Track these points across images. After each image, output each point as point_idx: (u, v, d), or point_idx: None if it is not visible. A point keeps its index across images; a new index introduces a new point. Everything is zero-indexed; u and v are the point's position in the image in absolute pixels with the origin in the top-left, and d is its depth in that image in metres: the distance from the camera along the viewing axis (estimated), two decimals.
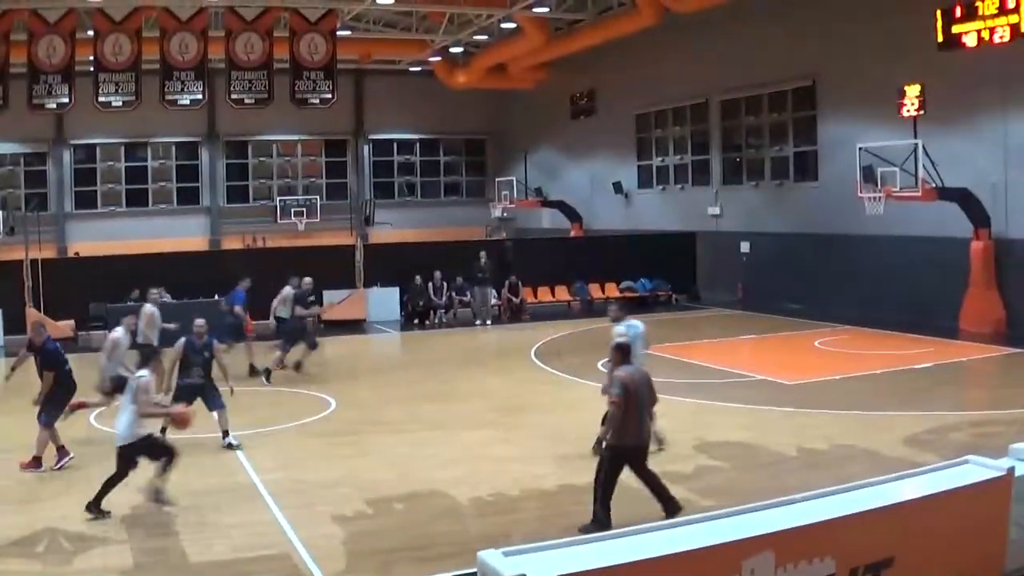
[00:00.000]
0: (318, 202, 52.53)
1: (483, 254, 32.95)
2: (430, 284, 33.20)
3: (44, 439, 15.16)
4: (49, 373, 15.40)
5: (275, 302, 24.30)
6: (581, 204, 48.02)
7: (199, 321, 16.91)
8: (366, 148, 56.95)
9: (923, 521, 9.37)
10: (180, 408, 14.31)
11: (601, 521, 11.79)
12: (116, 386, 16.17)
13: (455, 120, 56.50)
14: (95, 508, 12.73)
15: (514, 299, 34.85)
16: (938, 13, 28.64)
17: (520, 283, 35.04)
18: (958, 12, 28.17)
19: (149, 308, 20.63)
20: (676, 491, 13.47)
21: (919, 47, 29.52)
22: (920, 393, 20.26)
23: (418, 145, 58.37)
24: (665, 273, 38.05)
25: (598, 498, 12.10)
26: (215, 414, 16.51)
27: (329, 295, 31.41)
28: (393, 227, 51.94)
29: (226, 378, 16.84)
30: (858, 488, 9.61)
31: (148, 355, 14.80)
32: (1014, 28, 26.94)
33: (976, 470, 10.14)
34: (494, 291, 34.23)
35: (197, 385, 16.43)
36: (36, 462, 15.12)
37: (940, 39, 28.76)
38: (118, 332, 17.81)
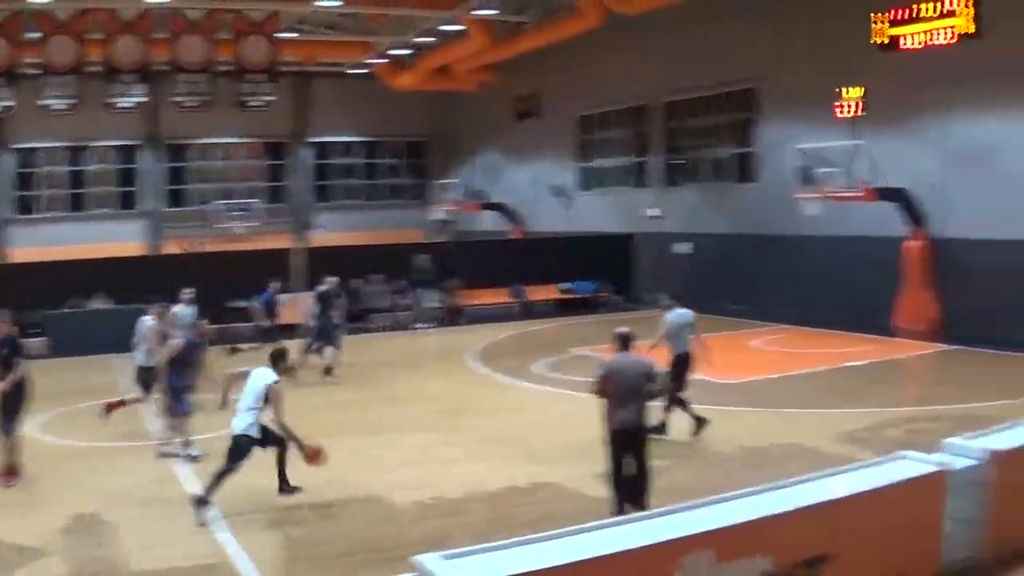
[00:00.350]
0: (258, 206, 52.18)
1: (425, 257, 32.88)
2: (370, 287, 33.10)
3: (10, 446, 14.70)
4: (17, 365, 14.55)
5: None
6: (523, 206, 48.07)
7: (201, 321, 16.88)
8: (307, 151, 56.61)
9: (859, 517, 9.45)
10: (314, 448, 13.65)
11: (614, 509, 11.97)
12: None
13: (398, 122, 56.19)
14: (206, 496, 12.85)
15: (454, 302, 34.85)
16: (879, 16, 29.01)
17: (460, 286, 34.98)
18: (899, 15, 28.55)
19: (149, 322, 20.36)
20: None
21: (860, 50, 29.83)
22: (857, 391, 20.49)
23: (359, 148, 58.07)
24: (605, 274, 38.15)
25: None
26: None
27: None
28: (331, 230, 51.55)
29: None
30: (794, 485, 9.68)
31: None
32: (955, 29, 27.32)
33: (911, 466, 10.26)
34: (434, 294, 34.17)
35: (190, 387, 16.25)
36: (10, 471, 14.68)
37: (880, 41, 29.12)
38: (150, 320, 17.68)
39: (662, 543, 8.10)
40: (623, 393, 12.18)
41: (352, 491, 13.93)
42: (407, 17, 40.20)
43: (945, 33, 27.63)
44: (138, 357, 17.61)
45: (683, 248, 38.10)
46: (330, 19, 42.61)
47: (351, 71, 51.49)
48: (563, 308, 36.89)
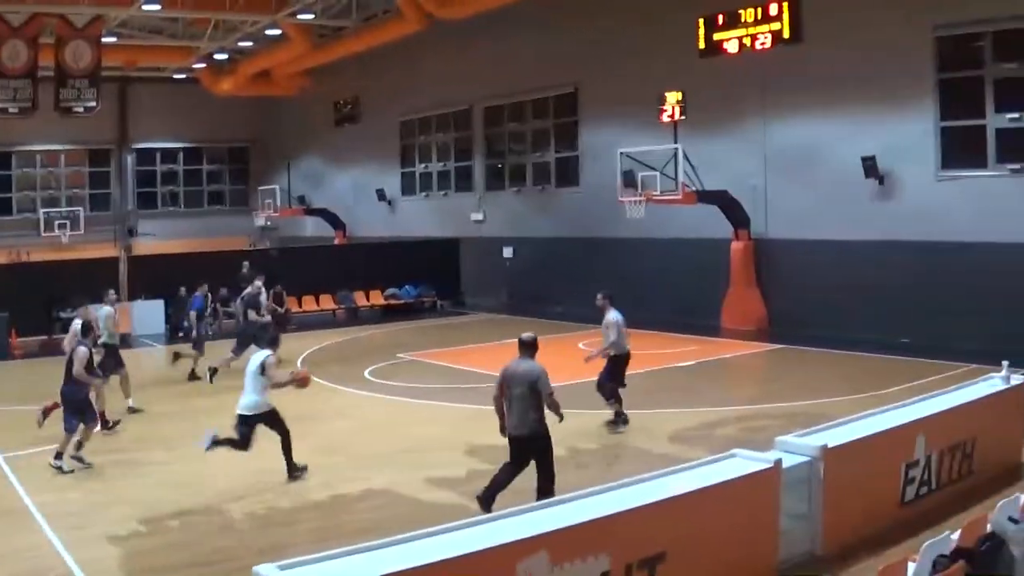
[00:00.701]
0: (82, 214, 50.66)
1: (246, 264, 32.15)
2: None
3: None
4: None
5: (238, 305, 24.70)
6: (345, 212, 47.61)
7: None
8: (130, 158, 55.42)
9: (694, 515, 9.44)
10: (302, 372, 16.02)
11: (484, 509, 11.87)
12: None
13: (219, 128, 55.60)
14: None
15: (279, 309, 34.17)
16: (700, 21, 29.43)
17: (285, 292, 34.38)
18: (720, 20, 29.02)
19: (108, 309, 20.79)
20: (448, 496, 13.46)
21: (681, 54, 30.36)
22: (686, 391, 20.63)
23: (181, 154, 57.11)
24: (430, 279, 37.94)
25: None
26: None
27: (94, 310, 30.28)
28: (156, 238, 50.52)
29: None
30: (629, 485, 9.61)
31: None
32: (775, 35, 27.92)
33: (743, 463, 10.30)
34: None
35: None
36: None
37: (701, 46, 29.58)
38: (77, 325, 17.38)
39: (500, 546, 7.94)
40: (512, 399, 12.32)
41: (186, 503, 13.47)
42: (229, 22, 39.62)
43: (764, 38, 28.20)
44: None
45: (508, 252, 38.19)
46: (152, 23, 41.58)
47: (174, 76, 50.71)
48: (389, 314, 36.58)
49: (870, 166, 26.27)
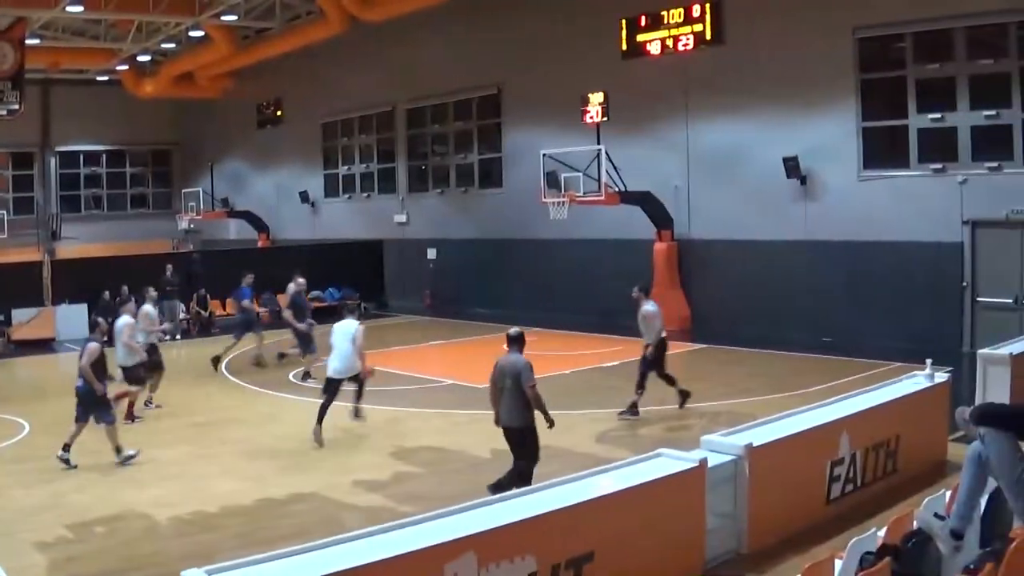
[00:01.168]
0: (4, 217, 49.73)
1: (169, 267, 31.76)
2: (118, 300, 31.72)
3: None
4: None
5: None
6: (268, 214, 47.23)
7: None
8: (53, 160, 54.61)
9: (621, 514, 9.42)
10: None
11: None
12: None
13: (142, 131, 55.02)
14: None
15: (203, 312, 33.80)
16: (623, 22, 29.48)
17: (208, 296, 34.03)
18: (643, 21, 29.11)
19: (147, 308, 21.35)
20: (374, 499, 13.37)
21: (604, 55, 30.39)
22: (610, 391, 20.55)
23: (104, 157, 56.35)
24: (353, 281, 37.65)
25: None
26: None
27: (17, 314, 30.53)
28: (80, 241, 49.78)
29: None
30: (554, 486, 9.59)
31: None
32: (698, 36, 28.09)
33: (669, 462, 10.33)
34: (182, 305, 33.10)
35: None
36: None
37: (624, 47, 29.65)
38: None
39: (427, 548, 7.89)
40: (501, 391, 12.87)
41: (111, 509, 13.29)
42: (152, 23, 39.26)
43: (686, 40, 28.33)
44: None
45: (432, 254, 38.11)
46: (75, 25, 41.02)
47: (96, 79, 50.16)
48: (313, 316, 36.18)
49: (792, 166, 26.45)
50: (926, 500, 7.80)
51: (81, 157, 55.73)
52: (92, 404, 15.89)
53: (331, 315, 34.83)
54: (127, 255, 38.19)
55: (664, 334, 18.63)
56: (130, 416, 18.69)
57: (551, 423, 12.75)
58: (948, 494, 8.20)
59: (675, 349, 25.76)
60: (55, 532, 12.35)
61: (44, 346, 30.02)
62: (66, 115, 53.03)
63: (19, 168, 54.24)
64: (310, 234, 44.74)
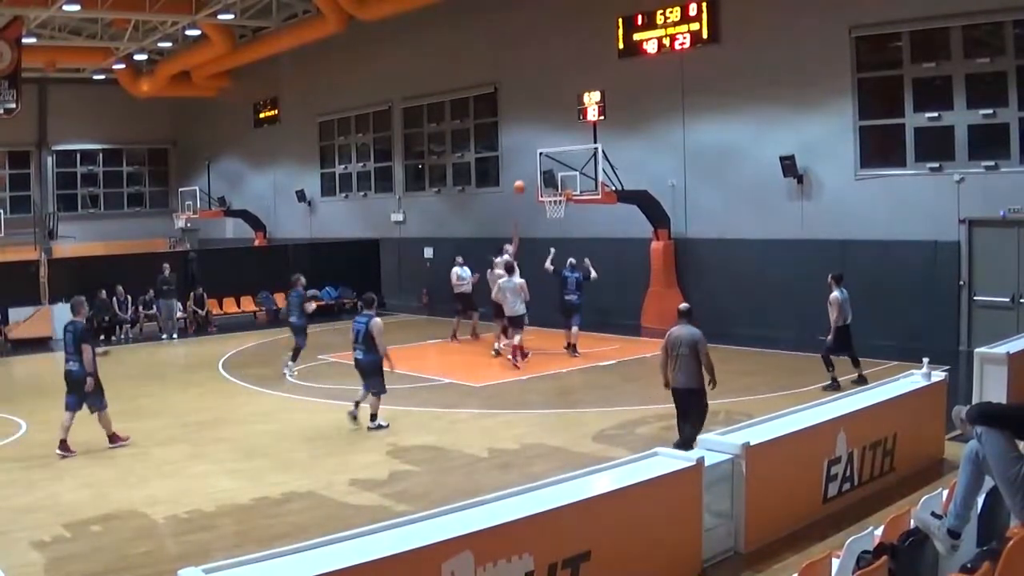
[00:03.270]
0: (1, 216, 49.67)
1: (166, 266, 31.73)
2: (115, 299, 31.74)
3: None
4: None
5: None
6: (265, 213, 47.23)
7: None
8: (49, 159, 54.60)
9: (617, 514, 9.41)
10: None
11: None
12: None
13: (139, 130, 55.09)
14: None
15: (200, 312, 33.80)
16: (619, 21, 29.46)
17: (205, 295, 34.02)
18: (639, 20, 29.09)
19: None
20: (371, 498, 13.34)
21: (601, 54, 30.41)
22: (606, 390, 20.59)
23: (101, 155, 56.35)
24: (350, 281, 37.66)
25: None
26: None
27: (14, 313, 30.55)
28: (77, 240, 49.73)
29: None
30: (551, 485, 9.59)
31: None
32: (694, 35, 28.08)
33: (665, 461, 10.32)
34: (179, 304, 33.07)
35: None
36: None
37: (620, 46, 29.63)
38: None
39: (424, 547, 7.87)
40: (678, 358, 14.51)
41: (107, 508, 13.27)
42: (148, 22, 39.30)
43: (683, 38, 28.33)
44: None
45: (429, 253, 38.11)
46: (72, 24, 41.06)
47: (93, 77, 50.15)
48: (310, 315, 36.19)
49: (788, 165, 26.45)
50: (923, 499, 7.80)
51: (78, 156, 55.72)
52: (85, 391, 16.43)
53: (328, 315, 35.08)
54: (124, 254, 38.26)
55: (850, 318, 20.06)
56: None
57: (715, 384, 14.68)
58: (945, 493, 8.21)
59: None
60: (51, 531, 12.33)
61: (41, 345, 29.99)
62: (63, 114, 53.03)
63: (16, 167, 54.25)
64: (307, 233, 44.75)
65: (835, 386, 18.84)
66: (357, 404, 17.77)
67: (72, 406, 16.41)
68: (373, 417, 17.57)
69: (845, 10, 25.40)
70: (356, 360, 17.92)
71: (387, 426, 17.47)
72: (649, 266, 29.34)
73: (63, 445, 16.18)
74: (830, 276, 20.38)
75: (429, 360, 25.80)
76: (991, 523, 7.89)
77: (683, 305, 15.57)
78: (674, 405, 14.91)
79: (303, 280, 24.52)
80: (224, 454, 16.37)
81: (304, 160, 46.41)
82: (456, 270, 28.50)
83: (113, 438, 16.78)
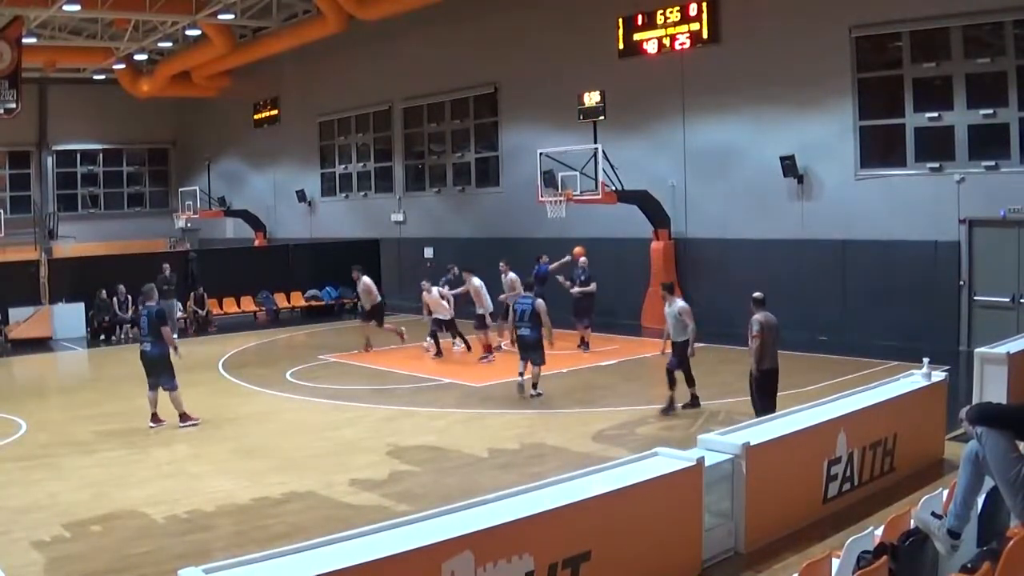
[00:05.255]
0: (1, 216, 49.65)
1: (166, 266, 31.71)
2: (115, 298, 31.74)
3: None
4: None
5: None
6: (265, 213, 47.24)
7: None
8: (50, 159, 54.62)
9: (618, 514, 9.38)
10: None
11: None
12: None
13: (139, 130, 55.12)
14: None
15: (200, 311, 33.79)
16: (619, 21, 29.45)
17: (206, 295, 34.01)
18: (639, 20, 29.09)
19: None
20: (371, 498, 13.33)
21: (600, 54, 30.37)
22: (606, 390, 20.60)
23: (101, 155, 56.36)
24: (350, 281, 37.56)
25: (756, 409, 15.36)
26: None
27: (14, 313, 30.62)
28: (77, 240, 49.74)
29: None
30: (551, 485, 9.57)
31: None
32: (695, 35, 28.08)
33: (666, 461, 10.29)
34: (179, 304, 33.04)
35: None
36: None
37: (620, 46, 29.63)
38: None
39: (425, 547, 7.85)
40: (774, 343, 15.59)
41: (107, 507, 13.25)
42: (148, 22, 39.35)
43: (683, 38, 28.33)
44: None
45: (429, 253, 38.11)
46: (72, 24, 41.07)
47: (93, 77, 50.15)
48: (310, 315, 36.28)
49: (789, 165, 26.45)
50: (923, 499, 7.80)
51: (78, 156, 55.72)
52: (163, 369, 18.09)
53: (328, 315, 35.08)
54: (124, 254, 38.22)
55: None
56: None
57: None
58: (945, 493, 8.21)
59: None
60: (52, 531, 12.32)
61: (41, 345, 30.02)
62: (63, 114, 53.05)
63: (16, 167, 54.23)
64: (307, 233, 44.76)
65: (671, 408, 18.08)
66: (534, 384, 19.62)
67: (155, 386, 18.00)
68: (535, 386, 19.60)
69: (845, 10, 25.40)
70: (522, 336, 20.08)
71: (541, 394, 19.59)
72: (649, 266, 29.32)
73: (154, 418, 17.98)
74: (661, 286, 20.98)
75: (428, 360, 25.76)
76: (991, 523, 7.89)
77: (758, 294, 16.20)
78: (757, 389, 15.67)
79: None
80: (224, 454, 16.37)
81: (304, 160, 46.42)
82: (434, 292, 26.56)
83: (183, 417, 18.01)
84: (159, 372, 18.14)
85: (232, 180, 51.21)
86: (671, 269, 29.21)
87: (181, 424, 17.87)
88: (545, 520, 8.71)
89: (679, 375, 18.29)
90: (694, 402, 18.43)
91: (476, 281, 25.50)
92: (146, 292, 18.86)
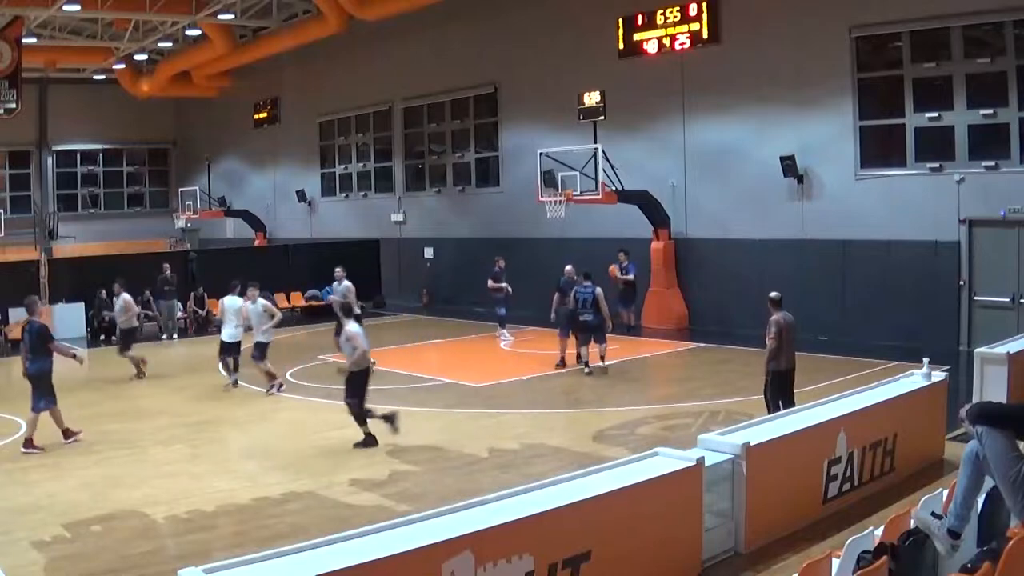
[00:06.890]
0: (1, 216, 49.63)
1: (167, 266, 31.72)
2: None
3: None
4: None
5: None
6: (265, 213, 47.24)
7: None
8: (50, 159, 54.61)
9: (618, 514, 9.38)
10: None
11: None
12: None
13: (139, 129, 55.08)
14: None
15: (200, 311, 33.77)
16: (619, 21, 29.44)
17: (206, 295, 33.98)
18: (639, 20, 29.09)
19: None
20: (371, 498, 13.32)
21: (601, 54, 30.40)
22: (606, 390, 20.59)
23: (101, 156, 56.35)
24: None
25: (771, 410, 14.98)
26: None
27: (14, 313, 30.00)
28: (77, 240, 49.73)
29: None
30: (551, 485, 9.56)
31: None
32: (695, 35, 28.08)
33: (666, 461, 10.28)
34: (179, 304, 33.04)
35: None
36: None
37: (620, 46, 29.62)
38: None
39: (424, 547, 7.84)
40: (792, 343, 15.47)
41: (107, 507, 13.24)
42: (149, 22, 39.36)
43: (683, 39, 28.33)
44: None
45: (429, 253, 38.14)
46: (72, 24, 41.09)
47: (93, 77, 50.20)
48: (310, 315, 36.24)
49: (789, 165, 26.45)
50: (923, 499, 7.80)
51: (78, 156, 55.70)
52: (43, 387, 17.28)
53: (328, 315, 35.02)
54: (124, 254, 38.26)
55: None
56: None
57: None
58: (945, 493, 8.20)
59: (671, 348, 25.98)
60: (52, 531, 12.31)
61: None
62: (63, 114, 53.03)
63: (16, 167, 54.21)
64: (307, 233, 44.75)
65: (371, 442, 16.37)
66: (602, 358, 22.29)
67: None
68: (602, 358, 22.40)
69: (845, 10, 25.41)
70: (586, 322, 22.17)
71: (591, 372, 21.88)
72: (649, 266, 29.33)
73: (28, 443, 16.85)
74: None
75: (429, 360, 25.80)
76: (991, 523, 7.89)
77: (774, 294, 16.01)
78: (774, 389, 15.43)
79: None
80: (224, 454, 16.38)
81: (304, 160, 46.41)
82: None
83: (67, 433, 17.33)
84: (38, 389, 17.12)
85: (232, 180, 51.20)
86: (671, 269, 29.26)
87: (66, 440, 17.03)
88: (545, 520, 8.70)
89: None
90: None
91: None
92: (28, 306, 18.23)
